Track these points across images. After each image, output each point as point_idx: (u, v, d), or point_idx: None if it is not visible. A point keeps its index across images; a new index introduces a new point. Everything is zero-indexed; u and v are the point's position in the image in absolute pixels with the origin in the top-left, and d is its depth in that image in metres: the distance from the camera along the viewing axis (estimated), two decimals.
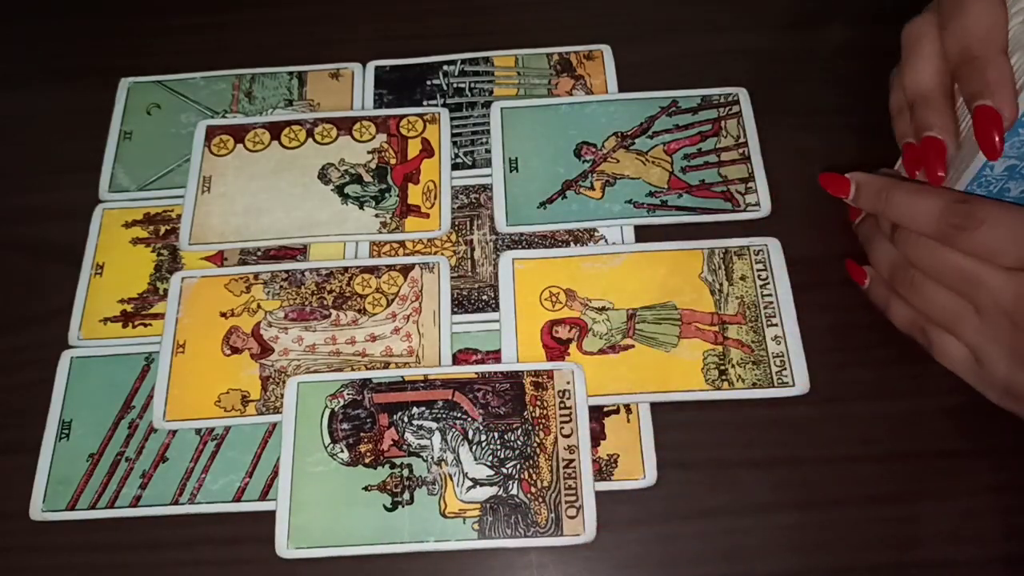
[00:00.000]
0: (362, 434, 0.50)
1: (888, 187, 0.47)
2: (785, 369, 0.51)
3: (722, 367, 0.51)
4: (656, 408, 0.51)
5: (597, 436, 0.50)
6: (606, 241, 0.56)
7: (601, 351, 0.52)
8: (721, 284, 0.53)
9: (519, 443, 0.49)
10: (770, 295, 0.53)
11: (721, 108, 0.59)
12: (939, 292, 0.46)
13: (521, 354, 0.52)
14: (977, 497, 0.48)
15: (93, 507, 0.50)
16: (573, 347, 0.52)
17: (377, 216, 0.56)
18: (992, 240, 0.43)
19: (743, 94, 0.60)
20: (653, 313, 0.53)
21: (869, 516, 0.48)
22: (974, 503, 0.48)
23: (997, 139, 0.41)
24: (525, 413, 0.50)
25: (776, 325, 0.52)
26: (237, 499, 0.50)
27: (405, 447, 0.49)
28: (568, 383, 0.50)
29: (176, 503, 0.50)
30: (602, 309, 0.53)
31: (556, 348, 0.52)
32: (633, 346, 0.52)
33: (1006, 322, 0.43)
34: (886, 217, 0.48)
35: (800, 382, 0.51)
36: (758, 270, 0.54)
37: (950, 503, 0.48)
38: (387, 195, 0.57)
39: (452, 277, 0.55)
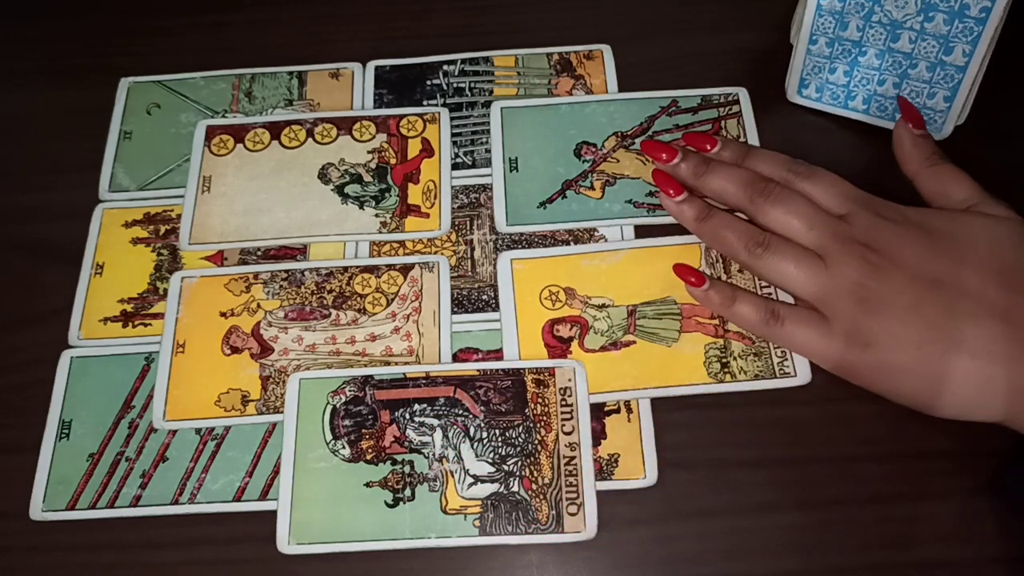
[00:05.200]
0: (364, 430, 0.50)
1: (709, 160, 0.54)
2: (786, 359, 0.51)
3: (724, 360, 0.51)
4: (657, 407, 0.51)
5: (598, 435, 0.50)
6: (606, 240, 0.56)
7: (603, 348, 0.52)
8: (720, 277, 0.53)
9: (520, 440, 0.49)
10: (769, 286, 0.53)
11: (721, 108, 0.59)
12: (797, 198, 0.50)
13: (523, 354, 0.52)
14: (977, 497, 0.48)
15: (93, 507, 0.50)
16: (575, 345, 0.52)
17: (377, 216, 0.56)
18: (814, 191, 0.51)
19: (743, 94, 0.60)
20: (653, 308, 0.53)
21: (869, 516, 0.48)
22: (974, 503, 0.48)
23: None
24: (526, 410, 0.50)
25: None
26: (237, 499, 0.49)
27: (407, 444, 0.49)
28: (569, 380, 0.50)
29: (176, 503, 0.49)
30: (602, 306, 0.53)
31: (558, 347, 0.52)
32: (635, 342, 0.52)
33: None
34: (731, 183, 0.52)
35: (802, 372, 0.51)
36: None
37: (950, 503, 0.48)
38: (387, 195, 0.57)
39: (452, 277, 0.55)
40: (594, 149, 0.58)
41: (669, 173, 0.54)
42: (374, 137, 0.59)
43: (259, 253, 0.56)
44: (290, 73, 0.63)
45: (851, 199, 0.50)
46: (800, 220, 0.49)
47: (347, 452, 0.49)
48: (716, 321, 0.52)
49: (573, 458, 0.49)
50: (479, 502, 0.48)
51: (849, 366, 0.48)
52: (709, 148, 0.54)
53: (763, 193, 0.50)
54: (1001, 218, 0.49)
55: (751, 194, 0.51)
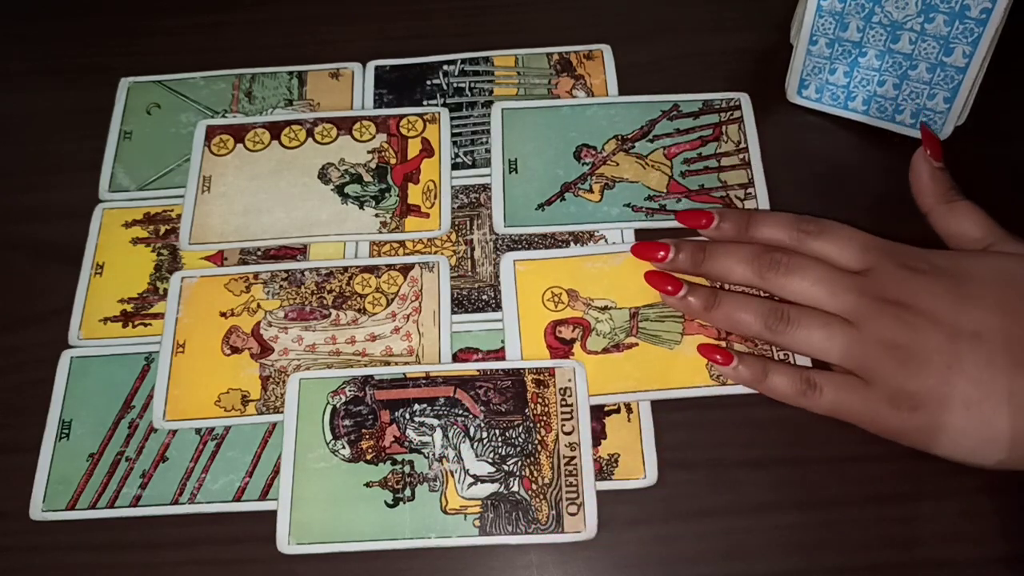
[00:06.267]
0: (364, 430, 0.50)
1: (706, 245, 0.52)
2: (788, 361, 0.51)
3: None
4: (657, 408, 0.51)
5: (598, 436, 0.50)
6: (606, 241, 0.55)
7: (605, 350, 0.52)
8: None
9: (520, 440, 0.49)
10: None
11: (722, 113, 0.59)
12: (812, 263, 0.49)
13: (525, 356, 0.52)
14: (977, 497, 0.48)
15: (93, 507, 0.50)
16: (577, 347, 0.52)
17: (377, 216, 0.56)
18: (828, 249, 0.49)
19: (745, 99, 0.60)
20: (656, 311, 0.53)
21: (869, 516, 0.48)
22: (974, 503, 0.48)
23: None
24: (526, 410, 0.50)
25: None
26: (237, 499, 0.49)
27: (407, 444, 0.49)
28: (569, 380, 0.50)
29: (176, 503, 0.49)
30: (605, 308, 0.53)
31: (560, 348, 0.52)
32: (637, 344, 0.52)
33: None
34: (716, 267, 0.51)
35: None
36: None
37: (950, 503, 0.48)
38: (387, 195, 0.57)
39: (452, 277, 0.55)
40: (594, 152, 0.58)
41: (667, 270, 0.52)
42: (374, 137, 0.59)
43: (259, 253, 0.56)
44: (290, 73, 0.63)
45: (870, 250, 0.48)
46: (820, 288, 0.48)
47: (347, 452, 0.49)
48: None
49: (573, 458, 0.49)
50: (479, 502, 0.48)
51: (896, 430, 0.47)
52: (705, 223, 0.52)
53: (772, 266, 0.49)
54: None
55: (760, 269, 0.49)
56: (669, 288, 0.50)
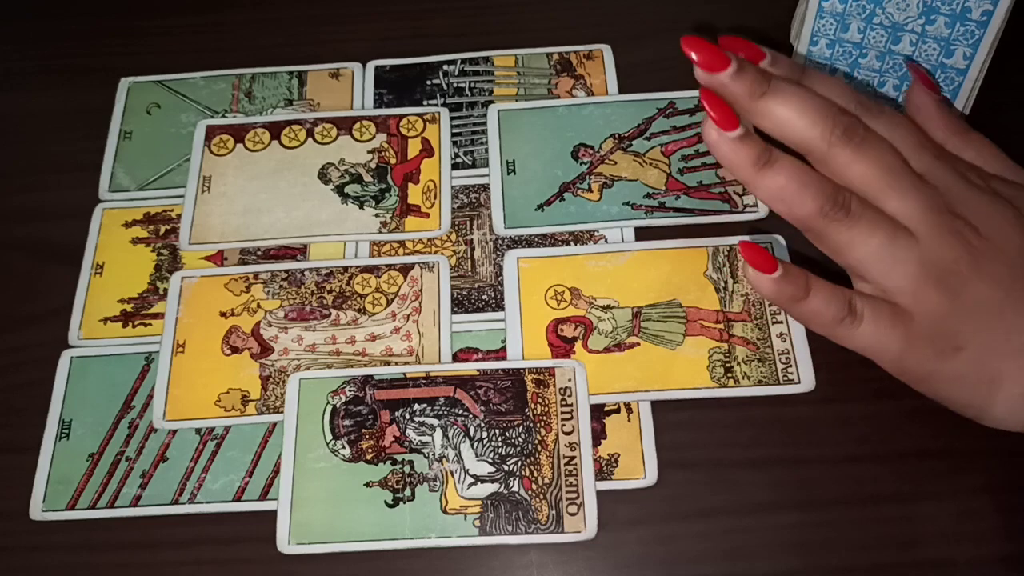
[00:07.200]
0: (364, 430, 0.50)
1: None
2: (791, 366, 0.51)
3: (728, 364, 0.51)
4: (657, 408, 0.51)
5: (598, 436, 0.50)
6: (606, 241, 0.55)
7: (607, 349, 0.52)
8: (726, 281, 0.53)
9: (520, 440, 0.49)
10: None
11: None
12: (886, 148, 0.40)
13: (526, 352, 0.52)
14: (977, 497, 0.48)
15: (93, 507, 0.49)
16: (579, 345, 0.52)
17: (377, 216, 0.56)
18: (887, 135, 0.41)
19: None
20: (658, 311, 0.53)
21: (869, 516, 0.48)
22: (974, 503, 0.48)
23: None
24: (526, 410, 0.50)
25: (781, 322, 0.52)
26: (237, 499, 0.49)
27: (407, 444, 0.49)
28: (569, 380, 0.50)
29: (176, 503, 0.49)
30: (607, 307, 0.53)
31: (561, 346, 0.52)
32: (639, 344, 0.52)
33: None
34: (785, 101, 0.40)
35: (806, 379, 0.51)
36: None
37: (950, 503, 0.48)
38: (387, 195, 0.57)
39: (452, 277, 0.55)
40: (591, 151, 0.58)
41: (716, 91, 0.41)
42: (374, 137, 0.59)
43: (259, 253, 0.56)
44: (290, 73, 0.63)
45: (928, 151, 0.41)
46: (888, 179, 0.39)
47: (347, 452, 0.49)
48: (721, 325, 0.52)
49: (573, 458, 0.49)
50: (479, 502, 0.48)
51: (928, 372, 0.41)
52: (758, 59, 0.42)
53: (849, 133, 0.39)
54: None
55: (830, 132, 0.39)
56: (726, 123, 0.40)
